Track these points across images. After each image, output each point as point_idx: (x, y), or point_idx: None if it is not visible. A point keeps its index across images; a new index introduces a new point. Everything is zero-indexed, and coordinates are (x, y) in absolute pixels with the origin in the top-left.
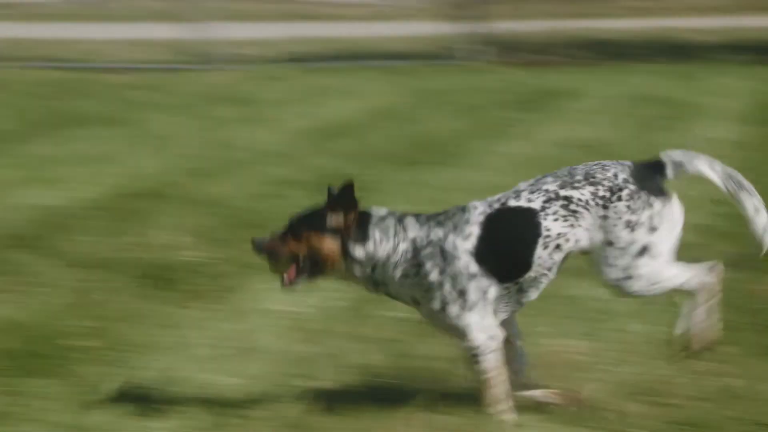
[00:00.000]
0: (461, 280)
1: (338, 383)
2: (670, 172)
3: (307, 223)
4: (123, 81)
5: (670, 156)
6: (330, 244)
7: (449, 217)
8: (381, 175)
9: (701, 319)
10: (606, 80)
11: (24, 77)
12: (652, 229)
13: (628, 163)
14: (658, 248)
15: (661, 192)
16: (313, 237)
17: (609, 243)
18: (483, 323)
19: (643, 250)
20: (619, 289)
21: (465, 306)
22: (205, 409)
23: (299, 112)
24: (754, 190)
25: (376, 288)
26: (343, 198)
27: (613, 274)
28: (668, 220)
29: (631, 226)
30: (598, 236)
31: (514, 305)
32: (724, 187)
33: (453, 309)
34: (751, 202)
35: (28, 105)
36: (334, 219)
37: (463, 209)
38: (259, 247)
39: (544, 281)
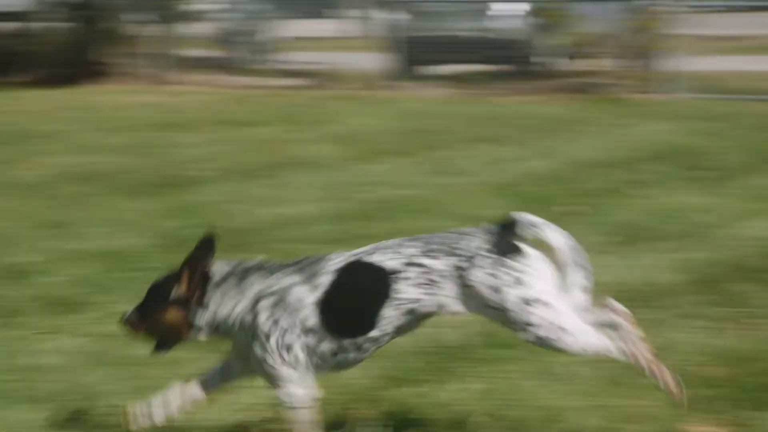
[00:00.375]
0: (292, 333)
1: None
2: (523, 231)
3: (152, 297)
4: None
5: (524, 217)
6: (172, 317)
7: (307, 265)
8: None
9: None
10: None
11: (753, 110)
12: (518, 282)
13: (486, 226)
14: (533, 295)
15: (516, 251)
16: (158, 312)
17: (487, 306)
18: (301, 379)
19: (525, 301)
20: (541, 344)
21: (287, 360)
22: None
23: None
24: (588, 269)
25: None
26: (193, 261)
27: (519, 332)
28: (533, 270)
29: (495, 287)
30: (472, 303)
31: (349, 365)
32: (565, 259)
33: (275, 360)
34: (576, 277)
35: (757, 138)
36: (178, 289)
37: (320, 259)
38: (123, 323)
39: (385, 342)
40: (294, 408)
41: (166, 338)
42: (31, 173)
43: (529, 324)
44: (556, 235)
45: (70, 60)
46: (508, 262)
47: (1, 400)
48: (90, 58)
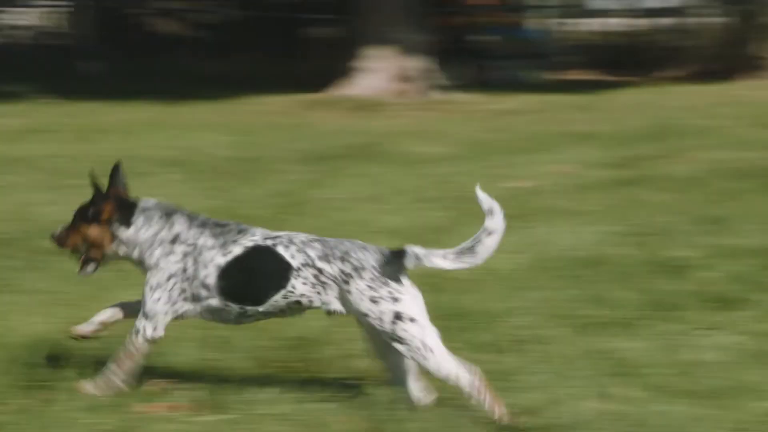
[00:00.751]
0: (190, 282)
1: None
2: (410, 262)
3: (78, 215)
4: None
5: (413, 250)
6: (95, 232)
7: (225, 232)
8: None
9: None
10: None
11: None
12: (395, 299)
13: (382, 249)
14: (408, 313)
15: (397, 279)
16: (83, 227)
17: (364, 315)
18: (160, 321)
19: (397, 316)
20: (410, 357)
21: (167, 301)
22: None
23: None
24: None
25: (139, 266)
26: (105, 186)
27: (392, 342)
28: (408, 294)
29: (373, 299)
30: (352, 307)
31: (232, 322)
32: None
33: (158, 295)
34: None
35: None
36: (94, 209)
37: (241, 230)
38: (52, 239)
39: (273, 316)
40: (137, 339)
41: (89, 255)
42: (686, 168)
43: (399, 338)
44: (440, 261)
45: (726, 55)
46: (389, 281)
47: (661, 393)
48: (748, 53)
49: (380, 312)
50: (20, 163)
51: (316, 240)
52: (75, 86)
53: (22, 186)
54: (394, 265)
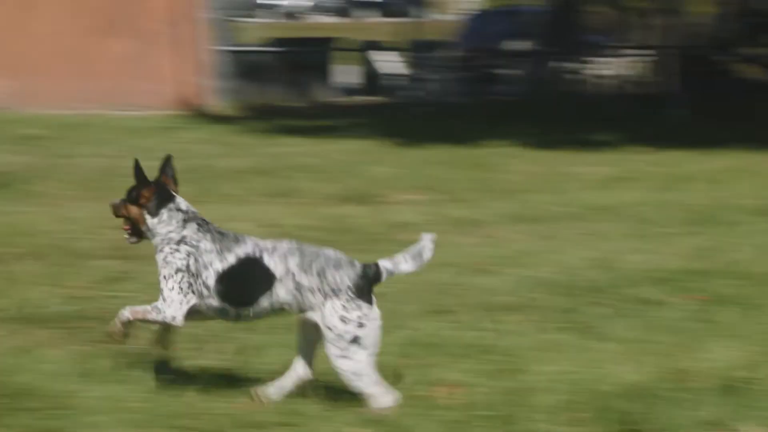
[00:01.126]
0: (194, 279)
1: None
2: (383, 277)
3: (126, 194)
4: None
5: (384, 265)
6: (134, 211)
7: (226, 241)
8: None
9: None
10: None
11: None
12: (361, 325)
13: (356, 264)
14: (365, 342)
15: (370, 299)
16: (127, 205)
17: (328, 327)
18: (178, 308)
19: (355, 339)
20: (340, 374)
21: (178, 289)
22: None
23: None
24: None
25: (156, 253)
26: (137, 178)
27: (332, 357)
28: (372, 320)
29: (344, 320)
30: (320, 318)
31: (232, 320)
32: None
33: (168, 283)
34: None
35: None
36: (136, 192)
37: (238, 240)
38: (110, 206)
39: (261, 318)
40: (156, 312)
41: (132, 229)
42: None
43: (345, 356)
44: (409, 266)
45: None
46: (362, 304)
47: None
48: None
49: (345, 331)
50: (608, 211)
51: (295, 249)
52: (660, 134)
53: (610, 234)
54: (367, 285)
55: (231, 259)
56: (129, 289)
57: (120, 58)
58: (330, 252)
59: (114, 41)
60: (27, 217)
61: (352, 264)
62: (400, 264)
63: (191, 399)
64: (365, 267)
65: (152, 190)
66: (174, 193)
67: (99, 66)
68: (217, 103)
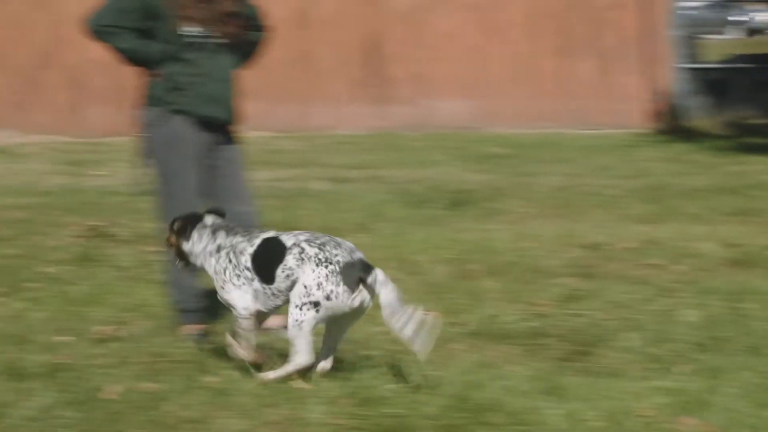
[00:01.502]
0: (237, 269)
1: None
2: (369, 281)
3: (169, 227)
4: None
5: (376, 274)
6: (172, 240)
7: (251, 232)
8: None
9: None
10: None
11: None
12: (329, 298)
13: (357, 255)
14: (322, 312)
15: (353, 284)
16: (170, 234)
17: (304, 285)
18: (242, 298)
19: (316, 304)
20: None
21: (234, 284)
22: None
23: None
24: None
25: (199, 269)
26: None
27: (293, 301)
28: (341, 301)
29: (319, 286)
30: (302, 276)
31: (270, 304)
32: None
33: (227, 285)
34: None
35: None
36: (173, 222)
37: (261, 231)
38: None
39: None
40: (240, 318)
41: (177, 253)
42: None
43: (299, 309)
44: (387, 293)
45: None
46: (341, 282)
47: None
48: None
49: (313, 292)
50: None
51: (308, 233)
52: None
53: None
54: (354, 273)
55: (257, 241)
56: (591, 307)
57: (581, 77)
58: (339, 239)
59: (575, 61)
60: (490, 234)
61: (352, 252)
62: (384, 286)
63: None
64: (362, 260)
65: (182, 221)
66: (201, 216)
67: (558, 85)
68: (682, 121)
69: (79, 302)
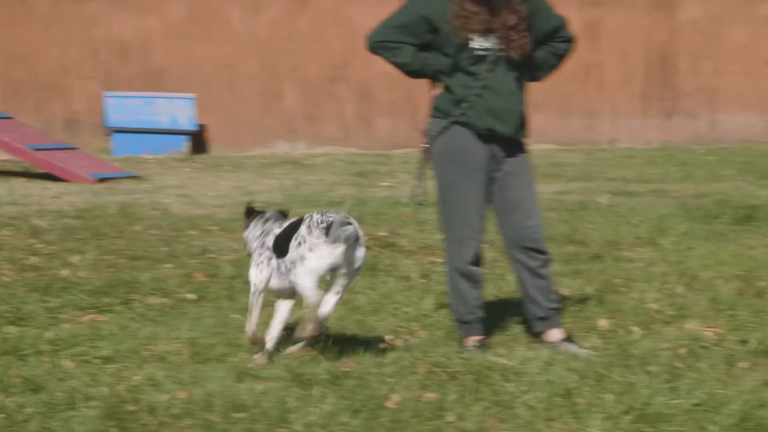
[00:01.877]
0: (263, 248)
1: None
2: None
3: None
4: None
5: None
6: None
7: (278, 220)
8: None
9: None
10: None
11: None
12: (311, 249)
13: (350, 222)
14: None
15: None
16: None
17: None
18: (259, 274)
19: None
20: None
21: (256, 260)
22: None
23: None
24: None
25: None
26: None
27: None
28: (322, 252)
29: (299, 244)
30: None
31: (285, 283)
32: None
33: (257, 260)
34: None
35: None
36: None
37: (285, 216)
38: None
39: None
40: (252, 288)
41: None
42: None
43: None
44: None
45: None
46: (322, 243)
47: None
48: None
49: (299, 244)
50: None
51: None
52: None
53: None
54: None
55: (285, 224)
56: None
57: None
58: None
59: None
60: None
61: (337, 212)
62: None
63: None
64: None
65: (246, 214)
66: (261, 210)
67: None
68: None
69: (365, 311)
